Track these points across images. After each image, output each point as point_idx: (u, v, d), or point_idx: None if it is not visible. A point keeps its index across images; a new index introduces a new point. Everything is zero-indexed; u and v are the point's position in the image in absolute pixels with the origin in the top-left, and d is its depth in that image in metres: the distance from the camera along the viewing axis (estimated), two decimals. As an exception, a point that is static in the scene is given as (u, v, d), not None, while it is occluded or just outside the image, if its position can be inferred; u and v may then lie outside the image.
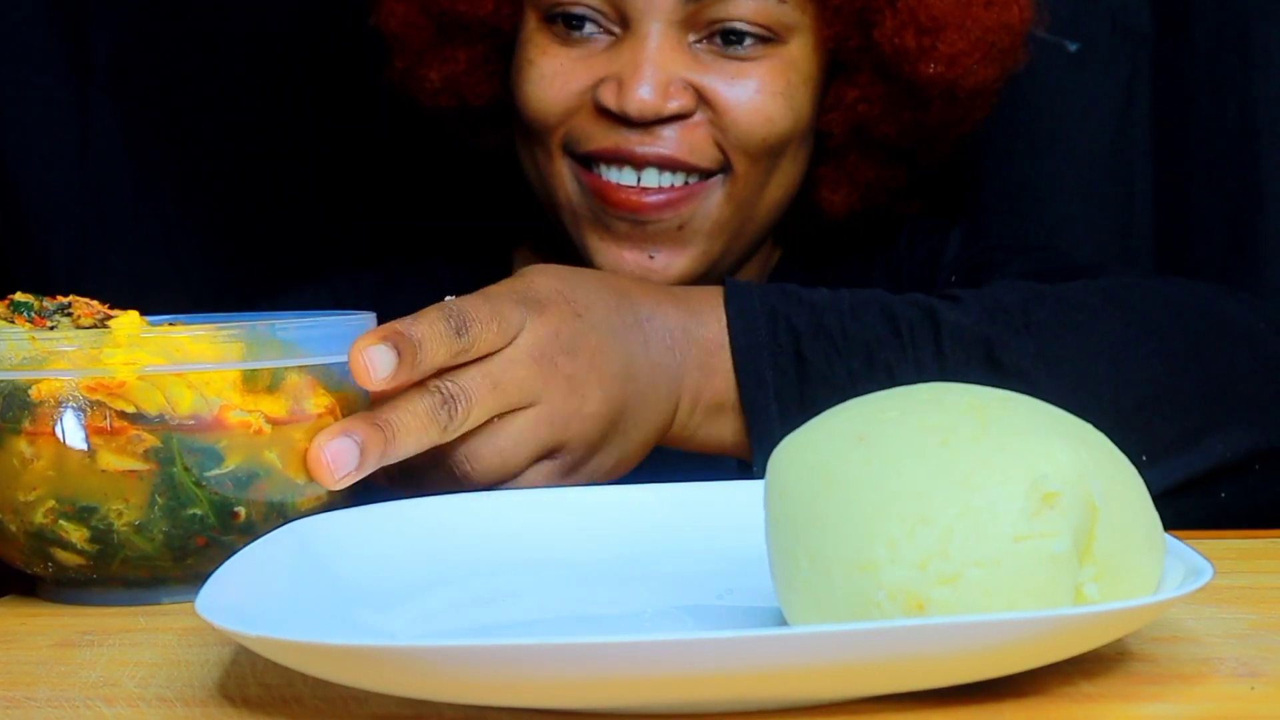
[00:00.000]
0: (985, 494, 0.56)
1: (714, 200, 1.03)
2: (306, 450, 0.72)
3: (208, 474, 0.72)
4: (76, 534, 0.72)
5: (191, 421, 0.71)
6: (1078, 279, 0.94)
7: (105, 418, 0.70)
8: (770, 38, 1.00)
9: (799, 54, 1.02)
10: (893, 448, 0.59)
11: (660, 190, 1.01)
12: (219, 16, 1.31)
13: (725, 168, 1.02)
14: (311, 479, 0.72)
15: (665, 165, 1.01)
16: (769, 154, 1.02)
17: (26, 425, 0.71)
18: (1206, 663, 0.60)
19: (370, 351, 0.71)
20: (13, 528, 0.73)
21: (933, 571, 0.56)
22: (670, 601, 0.69)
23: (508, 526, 0.74)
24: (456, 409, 0.74)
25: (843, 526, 0.58)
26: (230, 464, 0.72)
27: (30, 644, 0.67)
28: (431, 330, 0.74)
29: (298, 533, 0.69)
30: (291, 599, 0.64)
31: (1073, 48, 1.15)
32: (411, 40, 1.10)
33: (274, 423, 0.72)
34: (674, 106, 0.99)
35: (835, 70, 1.05)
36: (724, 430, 0.86)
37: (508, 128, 1.10)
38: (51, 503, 0.71)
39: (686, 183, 1.02)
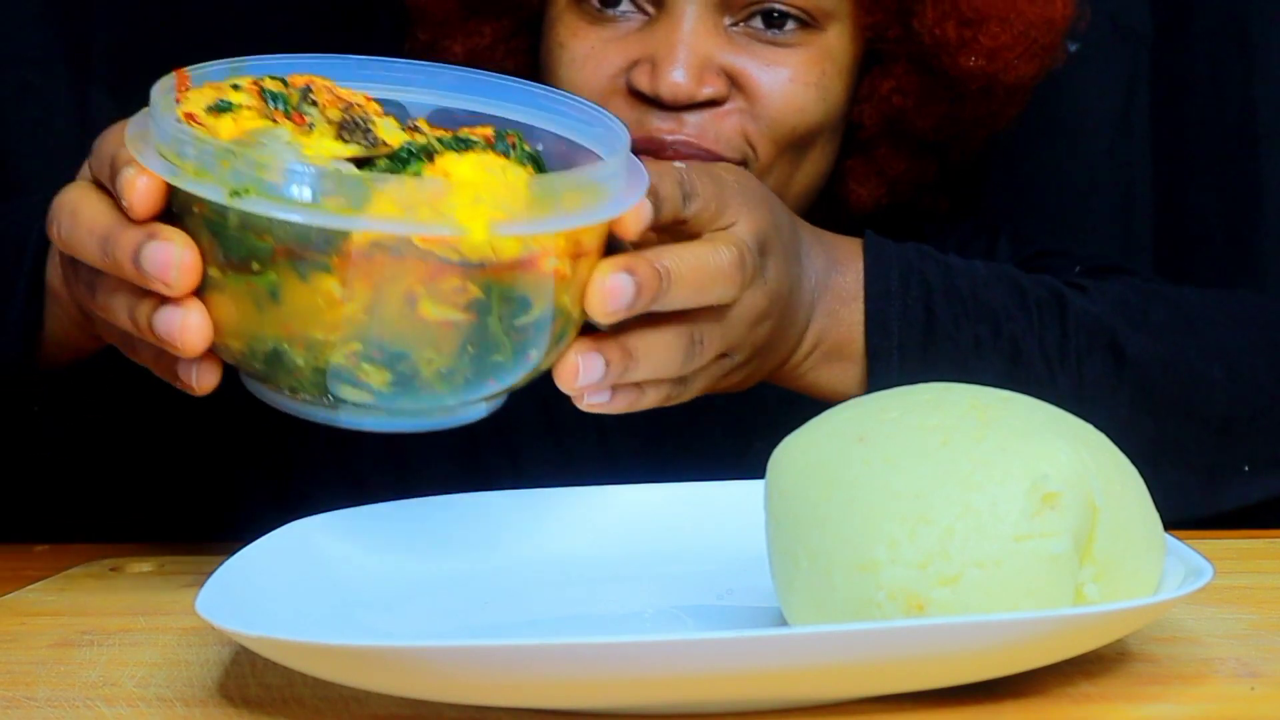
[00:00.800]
0: (986, 494, 0.56)
1: None
2: (587, 284, 0.68)
3: (516, 321, 0.66)
4: (377, 377, 0.66)
5: (511, 269, 0.65)
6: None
7: (432, 267, 0.64)
8: (810, 23, 0.99)
9: (836, 43, 1.00)
10: (893, 448, 0.59)
11: None
12: (219, 16, 1.31)
13: (748, 159, 1.01)
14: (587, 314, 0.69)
15: (689, 154, 1.00)
16: (796, 145, 1.01)
17: (337, 264, 0.63)
18: (1206, 663, 0.60)
19: (612, 278, 0.68)
20: (299, 361, 0.66)
21: (933, 572, 0.56)
22: (670, 601, 0.69)
23: (508, 526, 0.74)
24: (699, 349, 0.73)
25: (843, 526, 0.58)
26: (536, 311, 0.67)
27: (30, 644, 0.67)
28: (671, 191, 0.73)
29: (298, 533, 0.69)
30: (291, 599, 0.64)
31: (1072, 48, 1.14)
32: (435, 12, 1.08)
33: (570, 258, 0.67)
34: (708, 93, 0.97)
35: (870, 61, 1.05)
36: (837, 376, 0.86)
37: None
38: (356, 345, 0.65)
39: None
